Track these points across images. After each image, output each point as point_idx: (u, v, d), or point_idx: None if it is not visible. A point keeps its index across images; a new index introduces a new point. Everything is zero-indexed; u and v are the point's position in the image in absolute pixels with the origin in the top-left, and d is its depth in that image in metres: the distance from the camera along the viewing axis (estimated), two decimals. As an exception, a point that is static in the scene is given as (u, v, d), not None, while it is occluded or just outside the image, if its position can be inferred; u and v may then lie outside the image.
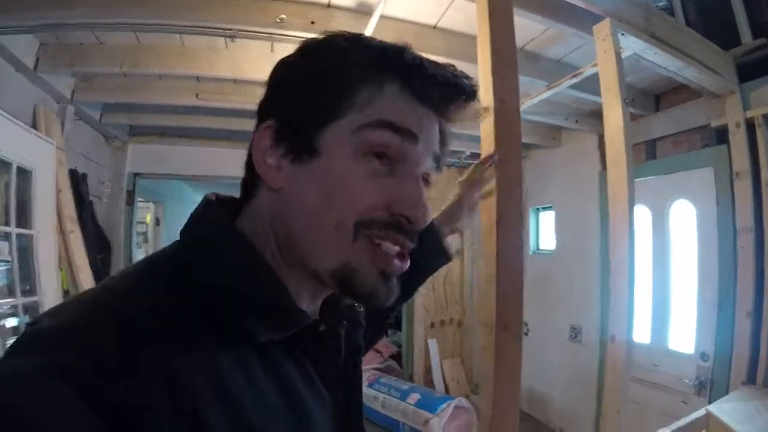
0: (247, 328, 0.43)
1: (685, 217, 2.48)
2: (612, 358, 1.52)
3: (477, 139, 1.00)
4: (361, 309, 0.58)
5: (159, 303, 0.40)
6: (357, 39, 0.48)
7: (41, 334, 0.36)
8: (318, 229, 0.45)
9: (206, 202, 0.49)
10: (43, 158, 1.99)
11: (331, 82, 0.46)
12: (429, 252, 0.90)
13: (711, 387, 2.27)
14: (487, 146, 0.95)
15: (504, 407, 1.08)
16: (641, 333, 2.69)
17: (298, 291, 0.48)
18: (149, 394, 0.34)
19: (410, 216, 0.46)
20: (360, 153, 0.45)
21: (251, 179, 0.50)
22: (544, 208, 3.79)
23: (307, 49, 0.49)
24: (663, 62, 1.79)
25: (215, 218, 0.47)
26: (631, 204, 1.49)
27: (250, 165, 0.49)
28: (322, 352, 0.49)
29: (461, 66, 0.49)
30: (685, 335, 2.49)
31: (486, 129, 0.94)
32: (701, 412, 1.82)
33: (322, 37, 0.49)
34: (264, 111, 0.50)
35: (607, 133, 1.52)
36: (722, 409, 1.79)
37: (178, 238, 0.48)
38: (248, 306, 0.43)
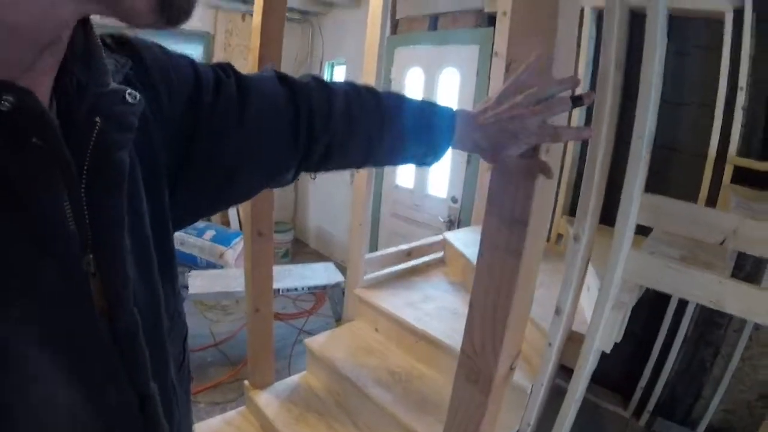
0: None
1: (450, 82, 3.02)
2: (357, 185, 2.07)
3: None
4: (136, 101, 0.36)
5: None
6: None
7: None
8: None
9: None
10: None
11: None
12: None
13: (458, 224, 2.93)
14: None
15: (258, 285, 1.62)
16: (407, 180, 3.37)
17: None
18: None
19: None
20: None
21: None
22: (339, 63, 4.05)
23: None
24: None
25: None
26: (381, 47, 1.90)
27: None
28: (13, 149, 0.28)
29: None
30: (440, 183, 3.11)
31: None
32: (439, 237, 2.29)
33: None
34: None
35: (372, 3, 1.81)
36: (456, 236, 2.26)
37: None
38: None
